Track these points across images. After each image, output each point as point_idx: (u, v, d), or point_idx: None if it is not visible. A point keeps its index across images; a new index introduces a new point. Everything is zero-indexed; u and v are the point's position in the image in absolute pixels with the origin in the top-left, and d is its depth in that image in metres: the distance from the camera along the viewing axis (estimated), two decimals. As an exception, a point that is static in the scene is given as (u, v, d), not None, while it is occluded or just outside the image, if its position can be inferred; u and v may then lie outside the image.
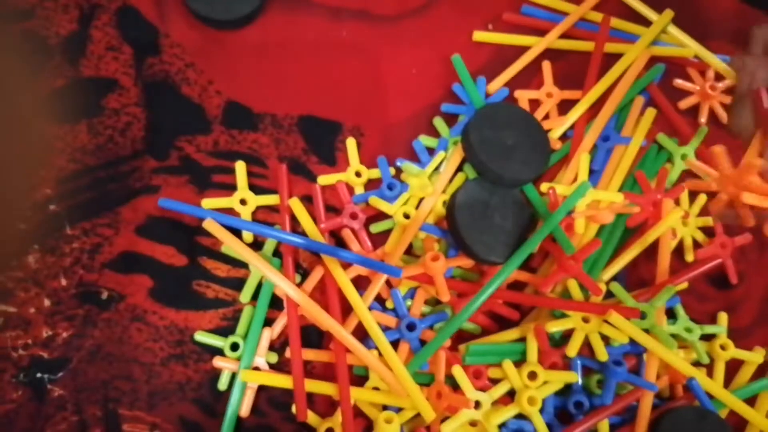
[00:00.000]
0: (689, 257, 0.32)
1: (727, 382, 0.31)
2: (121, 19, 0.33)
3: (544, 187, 0.31)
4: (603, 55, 0.34)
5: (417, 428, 0.28)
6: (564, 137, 0.33)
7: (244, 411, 0.28)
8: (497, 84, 0.33)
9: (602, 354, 0.28)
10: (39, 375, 0.28)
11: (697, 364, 0.30)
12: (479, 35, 0.35)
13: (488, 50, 0.35)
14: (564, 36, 0.34)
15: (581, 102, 0.33)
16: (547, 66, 0.34)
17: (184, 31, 0.33)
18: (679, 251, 0.32)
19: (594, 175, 0.32)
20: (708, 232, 0.33)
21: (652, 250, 0.31)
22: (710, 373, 0.30)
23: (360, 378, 0.29)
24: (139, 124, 0.31)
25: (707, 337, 0.31)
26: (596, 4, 0.35)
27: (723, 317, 0.31)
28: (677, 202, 0.32)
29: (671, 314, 0.31)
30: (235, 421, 0.28)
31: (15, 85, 0.31)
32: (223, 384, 0.28)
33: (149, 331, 0.29)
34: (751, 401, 0.30)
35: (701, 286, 0.32)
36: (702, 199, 0.32)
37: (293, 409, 0.28)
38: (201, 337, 0.29)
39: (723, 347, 0.30)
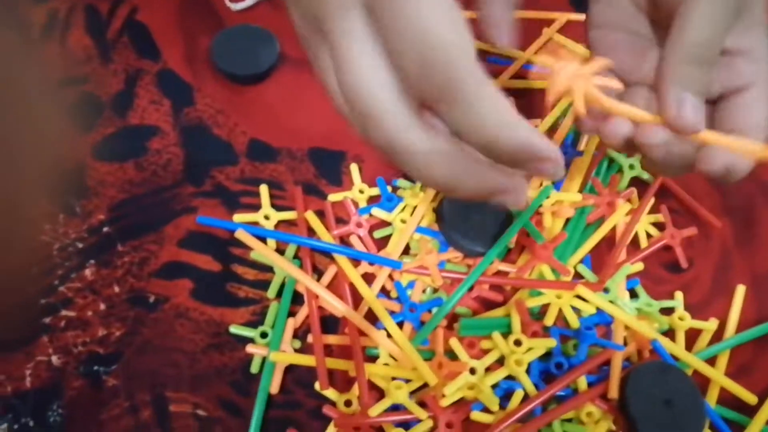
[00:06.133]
0: (643, 246, 0.38)
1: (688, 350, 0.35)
2: (160, 80, 0.40)
3: (516, 190, 0.37)
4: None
5: (424, 396, 0.32)
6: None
7: (274, 388, 0.32)
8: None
9: (574, 322, 0.33)
10: (96, 368, 0.33)
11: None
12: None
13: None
14: (521, 77, 0.42)
15: (540, 126, 0.40)
16: (511, 101, 0.41)
17: (214, 86, 0.40)
18: (635, 243, 0.38)
19: (557, 182, 0.38)
20: (659, 227, 0.39)
21: (612, 241, 0.37)
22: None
23: (372, 358, 0.34)
24: (178, 159, 0.38)
25: (667, 313, 0.36)
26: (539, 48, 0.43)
27: (679, 294, 0.37)
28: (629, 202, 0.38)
29: (633, 294, 0.36)
30: (266, 397, 0.32)
31: (74, 134, 0.38)
32: (255, 367, 0.33)
33: (191, 325, 0.34)
34: (710, 364, 0.35)
35: (657, 270, 0.38)
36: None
37: (316, 385, 0.32)
38: (235, 329, 0.34)
39: (681, 318, 0.36)
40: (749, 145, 0.23)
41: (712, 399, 0.34)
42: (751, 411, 0.33)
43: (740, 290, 0.37)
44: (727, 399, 0.34)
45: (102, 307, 0.34)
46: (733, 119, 0.28)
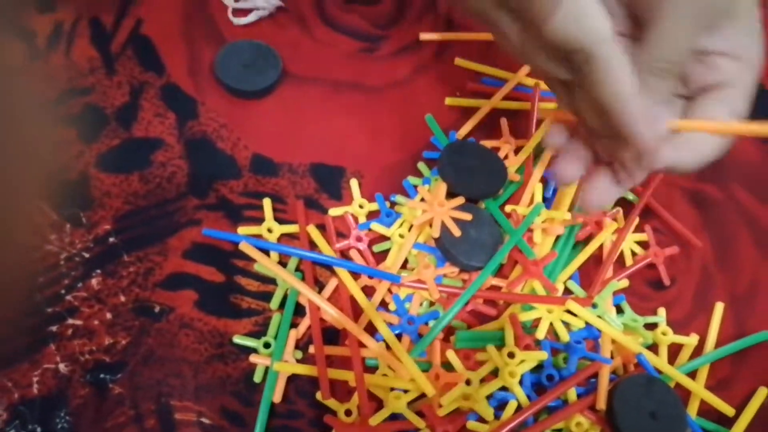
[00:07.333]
0: (628, 263, 0.40)
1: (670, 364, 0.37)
2: (165, 93, 0.41)
3: (508, 208, 0.38)
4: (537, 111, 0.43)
5: (422, 406, 0.34)
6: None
7: (277, 397, 0.33)
8: (463, 131, 0.42)
9: (564, 336, 0.35)
10: (102, 376, 0.33)
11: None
12: (450, 100, 0.43)
13: (457, 111, 0.43)
14: (513, 99, 0.43)
15: (527, 146, 0.41)
16: (504, 122, 0.43)
17: (217, 100, 0.41)
18: (620, 260, 0.40)
19: (547, 201, 0.40)
20: (644, 245, 0.41)
21: (599, 259, 0.39)
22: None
23: (371, 369, 0.35)
24: (182, 172, 0.39)
25: (651, 328, 0.38)
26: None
27: (662, 311, 0.39)
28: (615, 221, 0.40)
29: (619, 310, 0.38)
30: (269, 406, 0.33)
31: (78, 146, 0.39)
32: (258, 377, 0.34)
33: (195, 335, 0.35)
34: (691, 378, 0.37)
35: (642, 288, 0.40)
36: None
37: (318, 395, 0.33)
38: (238, 339, 0.35)
39: (664, 334, 0.37)
40: (723, 124, 0.26)
41: (692, 410, 0.36)
42: (729, 422, 0.35)
43: (719, 307, 0.39)
44: (706, 411, 0.36)
45: (108, 316, 0.35)
46: (706, 112, 0.29)
